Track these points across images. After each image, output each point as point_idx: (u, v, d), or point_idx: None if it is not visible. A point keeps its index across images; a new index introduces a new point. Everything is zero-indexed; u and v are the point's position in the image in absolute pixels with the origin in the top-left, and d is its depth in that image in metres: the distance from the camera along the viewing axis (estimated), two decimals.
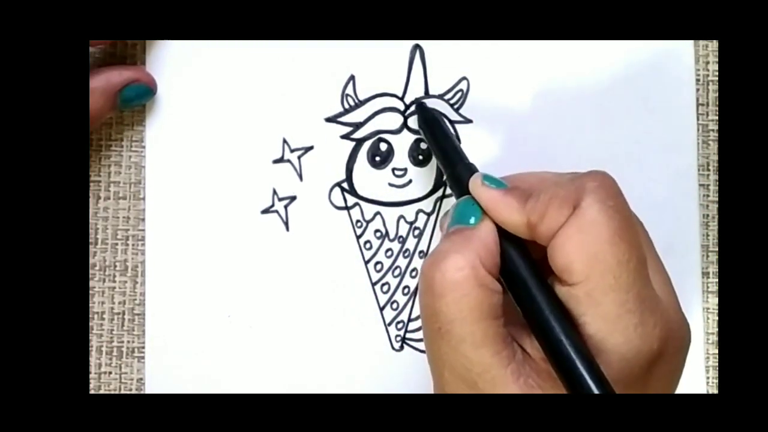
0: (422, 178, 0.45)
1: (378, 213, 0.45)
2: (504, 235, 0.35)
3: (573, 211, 0.33)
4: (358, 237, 0.45)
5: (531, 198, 0.34)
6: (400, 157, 0.45)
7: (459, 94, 0.45)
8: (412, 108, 0.45)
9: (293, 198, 0.45)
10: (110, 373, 0.45)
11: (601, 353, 0.32)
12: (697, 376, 0.45)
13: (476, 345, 0.33)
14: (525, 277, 0.34)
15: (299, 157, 0.45)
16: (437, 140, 0.42)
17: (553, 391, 0.32)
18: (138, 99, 0.44)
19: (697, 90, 0.46)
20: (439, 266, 0.33)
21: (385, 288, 0.45)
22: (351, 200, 0.45)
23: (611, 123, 0.45)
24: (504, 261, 0.34)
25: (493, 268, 0.34)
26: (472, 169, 0.38)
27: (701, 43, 0.46)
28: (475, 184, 0.36)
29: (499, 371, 0.32)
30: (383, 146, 0.45)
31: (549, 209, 0.33)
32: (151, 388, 0.44)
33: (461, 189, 0.37)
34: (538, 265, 0.34)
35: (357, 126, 0.45)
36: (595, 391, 0.30)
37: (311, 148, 0.45)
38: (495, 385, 0.32)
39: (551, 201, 0.33)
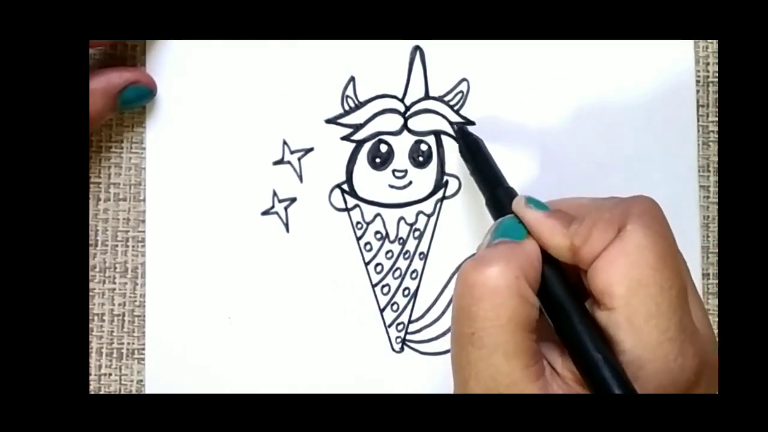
0: (422, 180, 0.45)
1: (378, 214, 0.45)
2: (544, 255, 0.35)
3: (617, 235, 0.32)
4: (359, 238, 0.45)
5: (575, 221, 0.34)
6: (401, 159, 0.45)
7: (459, 95, 0.45)
8: (413, 109, 0.45)
9: (293, 199, 0.45)
10: (110, 374, 0.45)
11: (638, 380, 0.31)
12: None
13: (508, 355, 0.32)
14: (564, 297, 0.34)
15: (299, 159, 0.45)
16: (478, 164, 0.42)
17: None
18: (138, 100, 0.44)
19: (697, 91, 0.46)
20: (483, 270, 0.33)
21: (386, 289, 0.45)
22: (351, 202, 0.45)
23: (611, 124, 0.45)
24: (543, 280, 0.34)
25: (534, 283, 0.34)
26: (512, 193, 0.38)
27: (701, 44, 0.46)
28: (519, 204, 0.36)
29: (527, 385, 0.32)
30: (383, 148, 0.45)
31: (593, 232, 0.33)
32: (151, 389, 0.44)
33: (500, 211, 0.38)
34: (575, 288, 0.34)
35: (357, 127, 0.45)
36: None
37: (311, 149, 0.45)
38: None
39: (595, 224, 0.33)
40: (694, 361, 0.32)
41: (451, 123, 0.43)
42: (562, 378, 0.33)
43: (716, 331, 0.44)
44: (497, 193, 0.39)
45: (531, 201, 0.36)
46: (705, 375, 0.32)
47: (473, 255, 0.36)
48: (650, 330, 0.32)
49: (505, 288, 0.33)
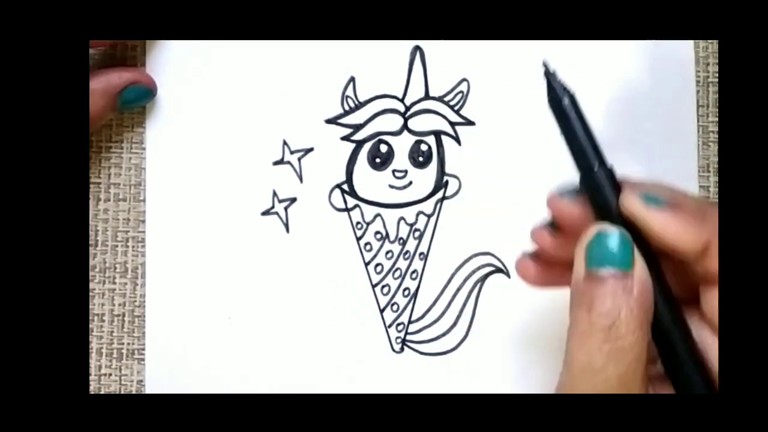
0: (422, 180, 0.45)
1: (378, 215, 0.45)
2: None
3: None
4: (359, 239, 0.45)
5: (706, 217, 0.31)
6: (401, 159, 0.45)
7: (459, 95, 0.45)
8: (413, 109, 0.45)
9: (293, 200, 0.45)
10: (110, 375, 0.45)
11: None
12: None
13: (636, 381, 0.31)
14: (672, 327, 0.32)
15: (299, 159, 0.45)
16: (573, 127, 0.34)
17: None
18: (138, 100, 0.44)
19: (698, 91, 0.46)
20: (612, 330, 0.30)
21: (386, 290, 0.45)
22: (351, 202, 0.45)
23: (611, 124, 0.45)
24: (656, 308, 0.32)
25: (652, 317, 0.31)
26: (613, 177, 0.33)
27: (701, 44, 0.46)
28: (635, 205, 0.32)
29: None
30: (383, 148, 0.45)
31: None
32: (151, 389, 0.44)
33: (600, 204, 0.33)
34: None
35: (357, 128, 0.45)
36: None
37: (311, 149, 0.45)
38: None
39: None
40: None
41: (544, 65, 0.34)
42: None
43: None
44: (597, 176, 0.33)
45: (649, 199, 0.31)
46: None
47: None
48: None
49: (637, 343, 0.30)
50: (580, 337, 0.31)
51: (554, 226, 0.35)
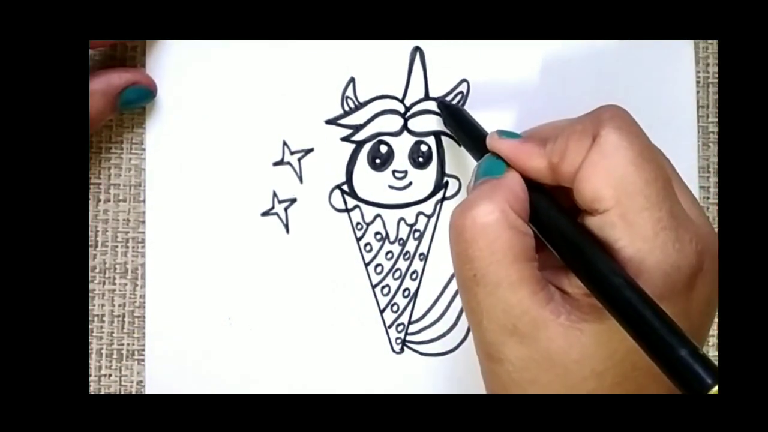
0: (422, 181, 0.45)
1: (378, 215, 0.45)
2: (528, 184, 0.35)
3: (593, 142, 0.33)
4: (359, 239, 0.45)
5: (549, 141, 0.35)
6: (401, 160, 0.45)
7: (459, 96, 0.45)
8: (413, 110, 0.45)
9: (293, 200, 0.45)
10: (110, 375, 0.45)
11: (642, 273, 0.32)
12: None
13: (513, 287, 0.33)
14: (555, 217, 0.34)
15: (299, 160, 0.45)
16: (461, 125, 0.42)
17: (597, 323, 0.32)
18: (138, 101, 0.44)
19: (697, 92, 0.46)
20: (469, 213, 0.33)
21: (386, 290, 0.45)
22: (351, 202, 0.45)
23: None
24: (533, 207, 0.35)
25: (523, 212, 0.34)
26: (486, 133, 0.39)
27: (701, 45, 0.46)
28: (492, 138, 0.37)
29: (539, 311, 0.32)
30: (383, 148, 0.45)
31: (569, 146, 0.34)
32: (151, 390, 0.44)
33: (480, 151, 0.38)
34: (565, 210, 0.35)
35: (357, 128, 0.45)
36: (642, 310, 0.30)
37: (311, 150, 0.45)
38: (536, 326, 0.32)
39: (570, 137, 0.34)
40: (692, 245, 0.32)
41: (434, 99, 0.44)
42: (572, 297, 0.33)
43: (716, 333, 0.45)
44: (474, 136, 0.40)
45: (503, 133, 0.37)
46: (707, 256, 0.33)
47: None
48: (644, 222, 0.32)
49: (495, 223, 0.33)
50: (450, 231, 0.34)
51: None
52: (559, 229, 0.34)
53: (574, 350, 0.32)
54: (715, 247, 0.34)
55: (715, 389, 0.26)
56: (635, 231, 0.32)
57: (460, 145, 0.45)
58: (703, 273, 0.33)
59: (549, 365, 0.32)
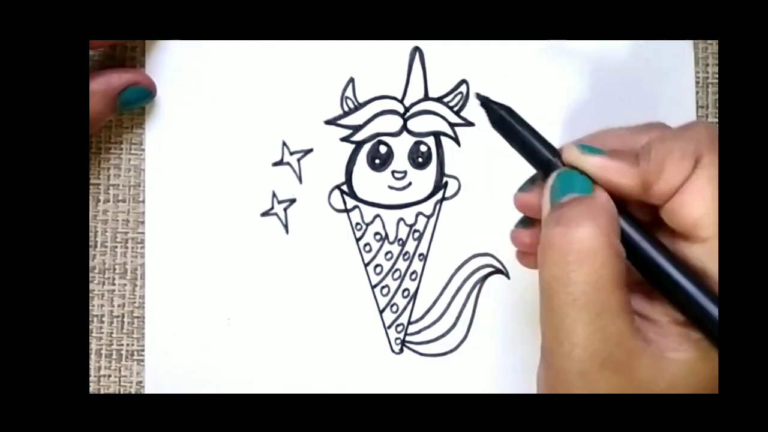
0: (422, 181, 0.45)
1: (377, 216, 0.45)
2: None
3: (696, 165, 0.32)
4: (358, 240, 0.45)
5: (641, 157, 0.33)
6: (400, 160, 0.45)
7: (459, 96, 0.45)
8: (412, 110, 0.45)
9: (293, 201, 0.45)
10: (110, 376, 0.45)
11: None
12: None
13: (614, 316, 0.31)
14: (649, 243, 0.33)
15: (299, 160, 0.45)
16: (514, 133, 0.37)
17: (687, 353, 0.32)
18: (137, 102, 0.44)
19: (697, 92, 0.46)
20: (573, 234, 0.32)
21: (385, 291, 0.45)
22: (350, 203, 0.45)
23: (610, 125, 0.45)
24: (623, 229, 0.33)
25: (618, 235, 0.33)
26: (551, 146, 0.36)
27: (701, 45, 0.46)
28: (572, 153, 0.34)
29: (633, 341, 0.32)
30: (383, 149, 0.45)
31: (667, 166, 0.32)
32: (151, 390, 0.44)
33: (547, 166, 0.35)
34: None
35: (356, 128, 0.45)
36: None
37: (311, 150, 0.45)
38: (630, 356, 0.32)
39: (668, 157, 0.32)
40: None
41: (477, 96, 0.37)
42: (658, 325, 0.33)
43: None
44: (538, 151, 0.36)
45: (584, 148, 0.34)
46: None
47: (520, 223, 0.36)
48: None
49: (603, 248, 0.31)
50: (548, 251, 0.32)
51: (526, 222, 0.37)
52: (652, 256, 0.33)
53: (663, 380, 0.32)
54: None
55: None
56: None
57: (460, 145, 0.45)
58: None
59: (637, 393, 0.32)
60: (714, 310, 0.31)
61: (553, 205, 0.33)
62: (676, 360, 0.32)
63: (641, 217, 0.34)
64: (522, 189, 0.36)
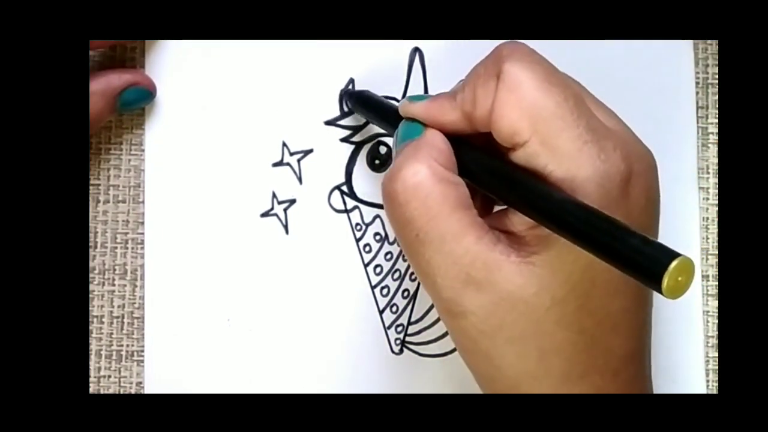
0: None
1: (377, 216, 0.45)
2: (450, 139, 0.36)
3: (498, 81, 0.33)
4: (358, 240, 0.45)
5: (458, 92, 0.35)
6: None
7: None
8: None
9: (293, 201, 0.45)
10: (109, 376, 0.45)
11: (576, 190, 0.32)
12: (697, 378, 0.45)
13: (457, 237, 0.33)
14: (482, 161, 0.35)
15: (299, 161, 0.45)
16: (366, 104, 0.43)
17: (546, 252, 0.33)
18: (137, 102, 0.44)
19: (697, 93, 0.46)
20: (397, 177, 0.34)
21: (385, 291, 0.45)
22: (350, 203, 0.45)
23: None
24: (459, 159, 0.35)
25: (450, 165, 0.35)
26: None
27: (701, 45, 0.46)
28: (404, 105, 0.37)
29: (488, 255, 0.33)
30: (383, 149, 0.45)
31: (476, 91, 0.34)
32: (151, 391, 0.44)
33: (395, 124, 0.38)
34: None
35: (356, 129, 0.45)
36: (588, 218, 0.30)
37: (311, 151, 0.45)
38: (489, 270, 0.33)
39: (475, 83, 0.34)
40: (616, 152, 0.33)
41: (340, 93, 0.45)
42: (517, 235, 0.34)
43: (716, 332, 0.45)
44: (391, 115, 0.39)
45: (413, 98, 0.37)
46: (635, 161, 0.34)
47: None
48: (565, 142, 0.32)
49: (424, 180, 0.33)
50: (384, 201, 0.35)
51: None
52: (488, 170, 0.34)
53: (532, 284, 0.33)
54: (642, 152, 0.35)
55: (674, 265, 0.26)
56: (559, 153, 0.32)
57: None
58: (635, 177, 0.33)
59: (511, 305, 0.33)
60: (553, 195, 0.32)
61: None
62: (536, 261, 0.33)
63: (490, 149, 0.35)
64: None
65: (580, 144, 0.32)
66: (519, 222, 0.34)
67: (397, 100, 0.45)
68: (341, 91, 0.44)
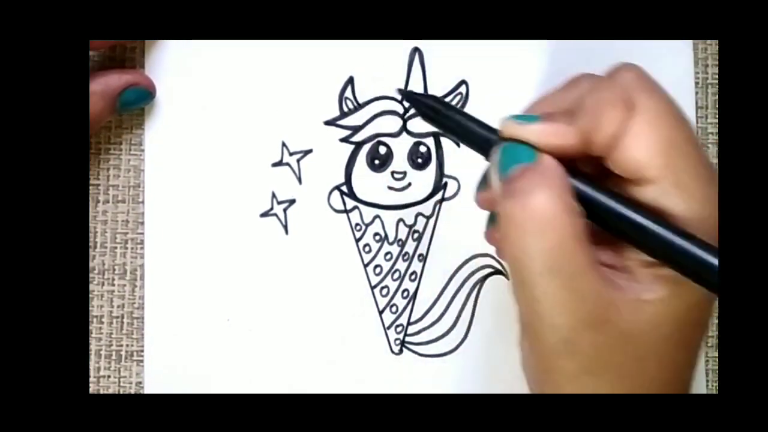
0: (421, 181, 0.45)
1: (377, 216, 0.45)
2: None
3: (630, 109, 0.32)
4: (357, 240, 0.45)
5: (576, 114, 0.33)
6: (400, 161, 0.45)
7: (459, 97, 0.45)
8: (412, 111, 0.45)
9: (292, 201, 0.45)
10: (109, 376, 0.45)
11: (698, 229, 0.31)
12: (697, 378, 0.45)
13: (585, 274, 0.31)
14: (601, 194, 0.33)
15: (298, 161, 0.45)
16: (447, 119, 0.37)
17: (661, 291, 0.32)
18: (137, 102, 0.44)
19: (696, 93, 0.46)
20: (529, 203, 0.31)
21: (384, 291, 0.45)
22: (350, 203, 0.45)
23: None
24: (575, 187, 0.33)
25: (573, 195, 0.32)
26: (489, 125, 0.36)
27: (700, 45, 0.46)
28: (510, 126, 0.34)
29: (608, 293, 0.32)
30: (382, 149, 0.45)
31: (602, 117, 0.32)
32: (150, 391, 0.44)
33: (488, 144, 0.35)
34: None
35: (356, 129, 0.45)
36: (713, 261, 0.30)
37: (310, 151, 0.45)
38: (608, 309, 0.32)
39: (600, 108, 0.33)
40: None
41: (399, 91, 0.39)
42: (627, 270, 0.33)
43: (716, 334, 0.45)
44: (473, 133, 0.36)
45: (518, 118, 0.34)
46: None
47: (480, 186, 0.36)
48: (693, 183, 0.32)
49: (559, 211, 0.31)
50: (507, 226, 0.32)
51: (494, 219, 0.37)
52: (610, 206, 0.33)
53: (644, 321, 0.32)
54: None
55: None
56: (689, 194, 0.32)
57: (459, 146, 0.45)
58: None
59: (622, 345, 0.32)
60: (679, 241, 0.31)
61: (502, 181, 0.33)
62: (652, 300, 0.32)
63: (591, 172, 0.34)
64: (479, 188, 0.37)
65: (702, 184, 0.32)
66: (630, 258, 0.33)
67: (397, 101, 0.45)
68: (399, 90, 0.39)
